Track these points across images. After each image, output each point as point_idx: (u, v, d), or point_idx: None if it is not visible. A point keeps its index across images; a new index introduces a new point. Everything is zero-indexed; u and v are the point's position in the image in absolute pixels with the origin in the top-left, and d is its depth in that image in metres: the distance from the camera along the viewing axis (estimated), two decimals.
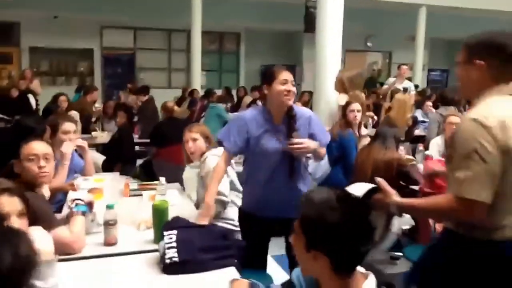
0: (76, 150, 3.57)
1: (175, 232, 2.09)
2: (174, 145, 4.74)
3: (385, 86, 8.15)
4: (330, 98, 6.15)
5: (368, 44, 15.51)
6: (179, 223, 2.17)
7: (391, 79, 8.05)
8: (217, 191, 2.84)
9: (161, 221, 2.30)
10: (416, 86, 11.10)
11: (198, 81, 11.45)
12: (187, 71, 13.48)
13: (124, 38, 13.55)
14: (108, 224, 2.30)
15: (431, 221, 3.74)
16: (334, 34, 5.33)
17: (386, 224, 1.89)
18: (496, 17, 13.84)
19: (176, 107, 5.80)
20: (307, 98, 9.31)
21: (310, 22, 12.38)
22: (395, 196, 1.77)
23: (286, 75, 2.58)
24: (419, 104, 7.73)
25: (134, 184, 3.45)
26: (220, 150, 3.37)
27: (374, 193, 1.80)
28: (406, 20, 12.88)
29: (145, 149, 6.30)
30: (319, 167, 4.16)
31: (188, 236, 2.08)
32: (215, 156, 3.25)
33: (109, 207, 2.32)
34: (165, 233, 2.09)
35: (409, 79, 11.04)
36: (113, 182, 3.63)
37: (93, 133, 6.17)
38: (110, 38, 13.40)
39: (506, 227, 1.64)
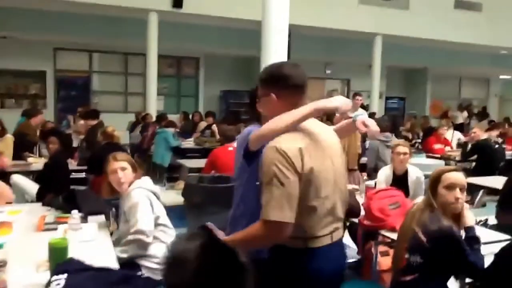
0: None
1: (65, 276, 1.84)
2: None
3: (337, 115, 8.08)
4: None
5: (327, 71, 15.68)
6: (72, 266, 1.92)
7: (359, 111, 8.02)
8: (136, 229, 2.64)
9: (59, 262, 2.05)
10: (373, 114, 11.19)
11: (154, 106, 11.20)
12: (144, 95, 13.21)
13: (79, 60, 13.20)
14: None
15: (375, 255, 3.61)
16: (278, 59, 5.22)
17: None
18: (451, 47, 14.33)
19: (116, 132, 5.51)
20: None
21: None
22: (220, 234, 1.80)
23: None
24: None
25: (51, 217, 3.16)
26: (144, 180, 3.15)
27: None
28: (364, 48, 13.10)
29: (87, 176, 5.97)
30: None
31: (79, 281, 1.83)
32: (141, 189, 3.02)
33: None
34: (53, 277, 1.84)
35: (365, 107, 11.16)
36: (32, 214, 3.33)
37: (28, 159, 5.81)
38: (64, 60, 13.02)
39: (319, 237, 1.83)
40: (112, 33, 11.92)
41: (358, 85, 14.98)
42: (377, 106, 13.12)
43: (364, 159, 6.68)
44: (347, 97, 16.38)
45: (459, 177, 2.43)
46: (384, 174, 4.51)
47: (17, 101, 12.79)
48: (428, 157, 7.80)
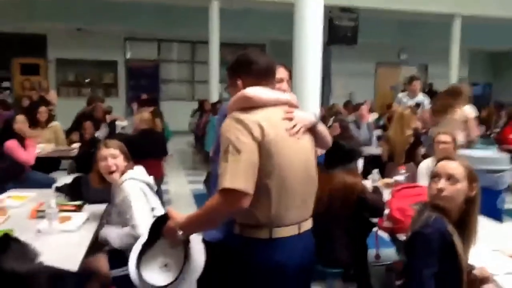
0: None
1: None
2: (150, 159, 4.56)
3: (394, 104, 7.42)
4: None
5: (402, 57, 14.74)
6: None
7: (400, 95, 7.31)
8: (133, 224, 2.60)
9: None
10: (418, 106, 10.22)
11: (216, 93, 11.20)
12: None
13: (148, 49, 13.57)
14: None
15: None
16: (314, 42, 4.78)
17: (185, 254, 1.82)
18: None
19: (156, 119, 5.47)
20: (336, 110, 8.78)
21: (333, 34, 11.92)
22: (179, 219, 1.76)
23: (282, 72, 2.32)
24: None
25: (49, 204, 3.10)
26: (136, 171, 2.99)
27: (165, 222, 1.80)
28: (442, 30, 12.08)
29: None
30: None
31: None
32: (133, 181, 2.87)
33: None
34: None
35: (433, 92, 10.22)
36: (37, 200, 3.30)
37: (73, 144, 5.96)
38: (133, 50, 13.46)
39: (283, 226, 1.73)
40: (178, 22, 12.10)
41: (437, 71, 13.91)
42: None
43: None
44: (424, 83, 15.38)
45: (446, 164, 1.96)
46: (426, 166, 3.98)
47: (92, 90, 13.47)
48: (502, 150, 6.93)
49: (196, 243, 1.91)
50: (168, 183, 6.85)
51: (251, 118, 1.69)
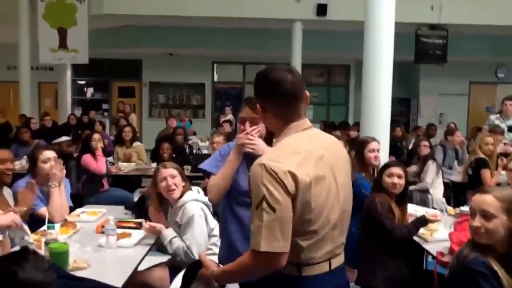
0: None
1: None
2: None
3: (484, 127, 6.88)
4: None
5: (499, 75, 13.73)
6: None
7: (492, 117, 6.78)
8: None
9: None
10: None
11: None
12: None
13: (234, 72, 14.03)
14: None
15: None
16: (384, 61, 4.62)
17: None
18: None
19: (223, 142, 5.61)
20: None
21: (421, 52, 11.45)
22: (213, 267, 1.72)
23: (246, 111, 2.23)
24: None
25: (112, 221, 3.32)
26: (195, 191, 3.11)
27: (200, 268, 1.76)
28: None
29: None
30: None
31: None
32: (195, 202, 3.01)
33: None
34: None
35: None
36: (110, 215, 3.53)
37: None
38: (220, 73, 14.00)
39: (313, 264, 1.63)
40: (263, 45, 12.39)
41: None
42: None
43: None
44: None
45: (479, 199, 1.88)
46: None
47: (181, 110, 14.19)
48: None
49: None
50: None
51: (282, 165, 1.54)
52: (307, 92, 1.72)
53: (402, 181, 3.03)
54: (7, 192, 3.17)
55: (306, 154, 1.59)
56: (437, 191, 5.10)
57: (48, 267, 1.23)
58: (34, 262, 1.22)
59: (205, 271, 1.73)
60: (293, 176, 1.53)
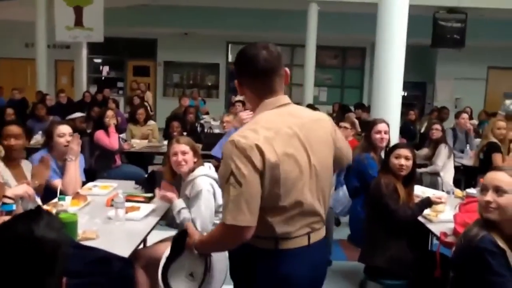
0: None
1: None
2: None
3: (499, 112, 6.76)
4: None
5: None
6: None
7: (508, 102, 6.66)
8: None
9: None
10: None
11: (310, 96, 11.22)
12: None
13: None
14: None
15: None
16: (397, 43, 4.57)
17: (205, 266, 1.85)
18: None
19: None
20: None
21: (438, 36, 11.25)
22: (196, 236, 1.82)
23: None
24: None
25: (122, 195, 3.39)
26: (207, 167, 3.16)
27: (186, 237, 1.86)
28: None
29: None
30: (338, 201, 3.65)
31: None
32: (205, 177, 3.05)
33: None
34: None
35: None
36: (120, 189, 3.60)
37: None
38: (235, 53, 13.93)
39: (290, 238, 1.65)
40: (278, 26, 12.31)
41: None
42: None
43: None
44: None
45: (493, 175, 1.91)
46: None
47: (196, 90, 14.22)
48: None
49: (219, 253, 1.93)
50: None
51: (251, 140, 1.55)
52: (286, 69, 1.72)
53: (409, 163, 3.04)
54: (25, 164, 3.25)
55: (275, 130, 1.59)
56: (448, 175, 5.10)
57: (61, 227, 1.29)
58: (48, 220, 1.26)
59: (189, 240, 1.82)
60: (260, 151, 1.54)
